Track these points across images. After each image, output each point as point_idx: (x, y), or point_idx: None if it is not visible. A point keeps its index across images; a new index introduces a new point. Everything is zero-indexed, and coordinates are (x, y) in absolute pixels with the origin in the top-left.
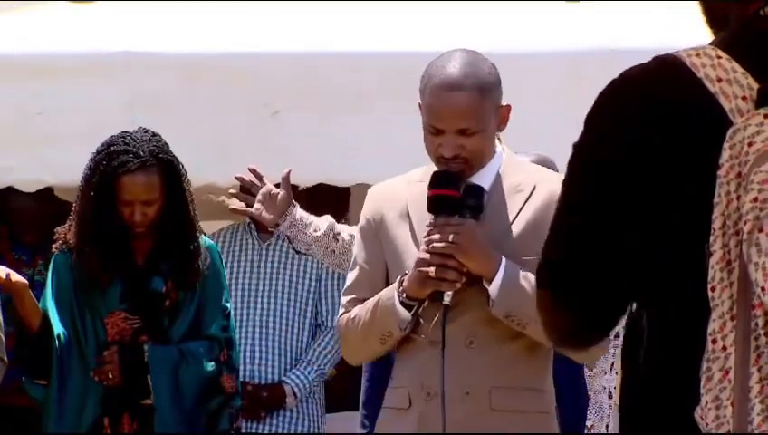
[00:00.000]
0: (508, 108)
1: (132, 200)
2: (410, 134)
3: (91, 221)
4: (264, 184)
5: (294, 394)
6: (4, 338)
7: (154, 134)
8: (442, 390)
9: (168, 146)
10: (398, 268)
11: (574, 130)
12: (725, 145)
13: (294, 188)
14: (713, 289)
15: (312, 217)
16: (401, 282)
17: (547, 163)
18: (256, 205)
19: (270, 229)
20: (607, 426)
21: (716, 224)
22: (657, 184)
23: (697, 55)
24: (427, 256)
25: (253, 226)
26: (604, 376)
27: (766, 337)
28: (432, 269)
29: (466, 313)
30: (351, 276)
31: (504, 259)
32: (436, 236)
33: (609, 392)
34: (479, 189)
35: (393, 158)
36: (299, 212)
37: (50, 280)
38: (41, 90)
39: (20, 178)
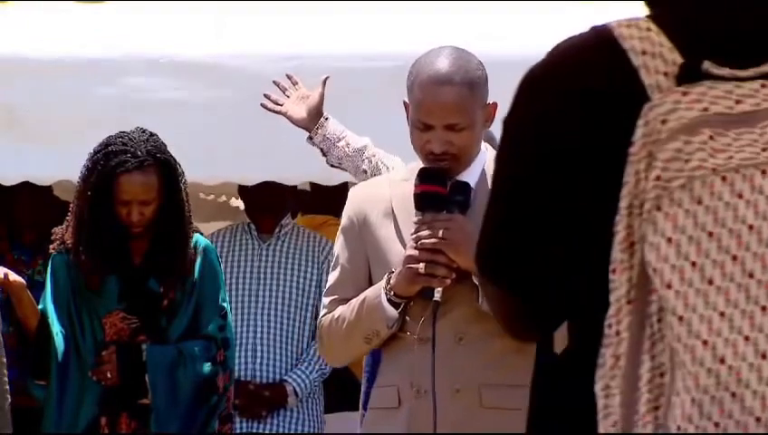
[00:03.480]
0: (495, 106)
1: (130, 200)
2: (400, 134)
3: (88, 221)
4: (299, 88)
5: (296, 394)
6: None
7: (152, 134)
8: (432, 387)
9: (165, 146)
10: (382, 267)
11: None
12: (640, 122)
13: (290, 188)
14: (614, 271)
15: (347, 132)
16: (388, 280)
17: None
18: (286, 104)
19: (307, 127)
20: None
21: (623, 203)
22: (575, 162)
23: (627, 26)
24: (416, 252)
25: (252, 226)
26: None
27: (659, 323)
28: (422, 266)
29: (456, 309)
30: (333, 276)
31: None
32: (425, 233)
33: None
34: (465, 186)
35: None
36: (331, 125)
37: (48, 280)
38: (29, 89)
39: (6, 179)
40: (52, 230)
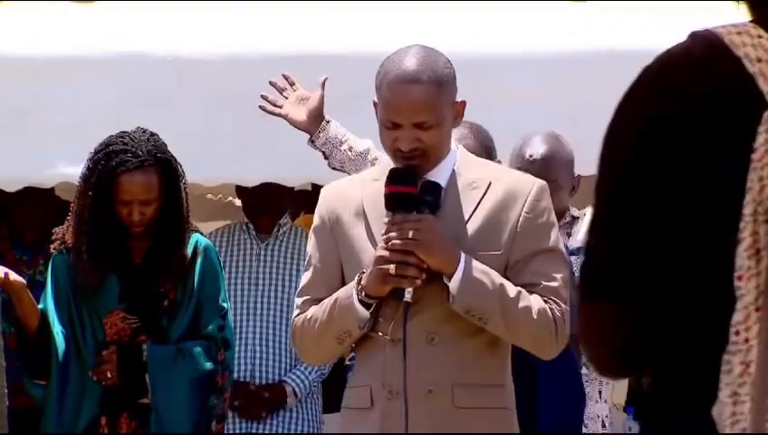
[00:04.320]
0: (463, 103)
1: (130, 200)
2: None
3: (88, 220)
4: (297, 89)
5: (295, 394)
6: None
7: (152, 134)
8: (404, 388)
9: (166, 146)
10: (354, 267)
11: (574, 130)
12: (761, 129)
13: (288, 188)
14: (739, 278)
15: (349, 136)
16: (359, 280)
17: (558, 139)
18: (286, 106)
19: (308, 130)
20: None
21: (747, 210)
22: (692, 168)
23: (738, 33)
24: (387, 253)
25: (251, 226)
26: (595, 404)
27: None
28: (392, 266)
29: (427, 309)
30: (306, 277)
31: (463, 254)
32: (395, 233)
33: (603, 422)
34: (436, 186)
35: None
36: (333, 129)
37: (49, 280)
38: (28, 89)
39: (6, 179)
40: (53, 230)
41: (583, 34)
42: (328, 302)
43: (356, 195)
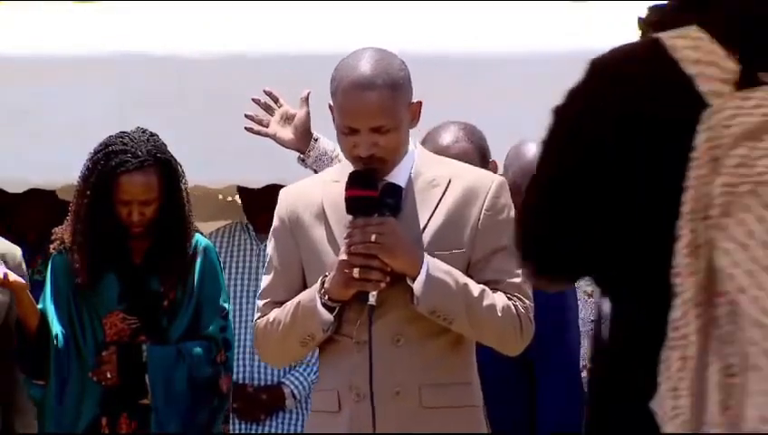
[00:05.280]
0: (419, 104)
1: (130, 200)
2: None
3: (87, 220)
4: (281, 106)
5: (294, 396)
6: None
7: (152, 134)
8: (371, 390)
9: (165, 146)
10: (315, 270)
11: None
12: (700, 127)
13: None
14: (677, 275)
15: (338, 150)
16: (323, 284)
17: None
18: (272, 125)
19: (298, 149)
20: None
21: (686, 208)
22: (628, 166)
23: (679, 37)
24: (350, 257)
25: (250, 226)
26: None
27: (729, 326)
28: (356, 270)
29: (391, 311)
30: (267, 279)
31: (426, 256)
32: (358, 237)
33: None
34: (396, 188)
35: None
36: (322, 145)
37: (48, 280)
38: (28, 89)
39: (6, 179)
40: (53, 230)
41: (583, 34)
42: (291, 305)
43: (316, 196)
